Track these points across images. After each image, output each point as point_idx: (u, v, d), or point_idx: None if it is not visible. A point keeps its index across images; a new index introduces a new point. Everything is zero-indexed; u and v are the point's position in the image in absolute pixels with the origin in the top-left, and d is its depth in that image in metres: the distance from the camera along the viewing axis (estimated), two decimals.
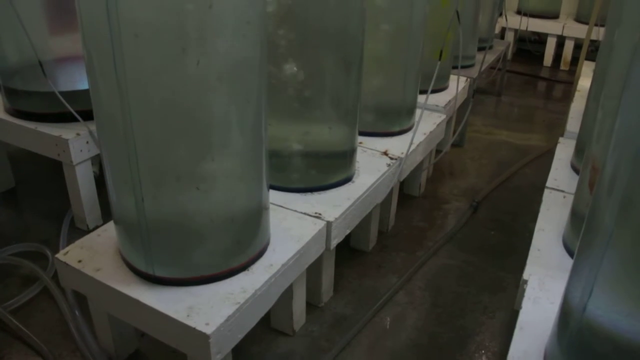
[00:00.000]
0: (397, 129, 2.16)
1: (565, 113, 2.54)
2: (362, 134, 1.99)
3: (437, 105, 2.48)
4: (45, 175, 2.49)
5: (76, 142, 1.93)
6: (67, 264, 1.38)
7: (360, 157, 1.94)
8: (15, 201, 2.33)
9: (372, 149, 2.03)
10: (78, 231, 2.07)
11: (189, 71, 1.08)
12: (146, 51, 1.06)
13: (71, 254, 1.40)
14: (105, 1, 1.01)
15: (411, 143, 1.98)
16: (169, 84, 1.09)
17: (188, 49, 1.06)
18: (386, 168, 1.91)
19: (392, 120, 2.15)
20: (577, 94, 2.72)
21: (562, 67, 4.76)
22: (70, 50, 2.04)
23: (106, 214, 2.09)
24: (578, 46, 4.41)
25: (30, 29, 1.68)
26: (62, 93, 1.70)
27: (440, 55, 1.97)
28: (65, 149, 1.92)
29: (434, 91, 2.13)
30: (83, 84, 1.95)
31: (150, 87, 1.09)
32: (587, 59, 3.03)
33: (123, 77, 1.07)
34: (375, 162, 1.94)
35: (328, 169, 1.75)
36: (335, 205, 1.66)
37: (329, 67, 1.59)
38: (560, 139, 2.21)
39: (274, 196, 1.66)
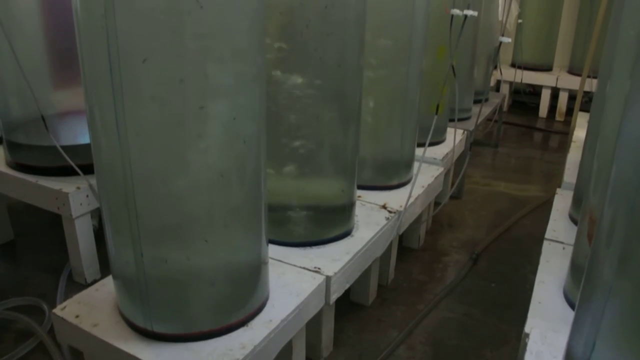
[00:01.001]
0: (395, 182, 2.17)
1: (562, 163, 2.55)
2: (360, 187, 2.00)
3: (434, 158, 2.50)
4: (44, 228, 2.48)
5: (76, 196, 1.94)
6: (64, 319, 1.36)
7: (359, 211, 1.95)
8: (14, 254, 2.32)
9: (370, 203, 2.04)
10: (76, 285, 2.05)
11: (188, 127, 1.10)
12: (148, 108, 1.08)
13: (68, 309, 1.39)
14: (108, 58, 1.04)
15: (410, 196, 1.99)
16: (169, 140, 1.11)
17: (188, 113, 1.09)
18: (385, 221, 1.91)
19: (391, 173, 2.16)
20: (573, 144, 2.74)
21: (558, 118, 4.82)
22: (72, 105, 2.07)
23: (105, 268, 2.08)
24: (572, 97, 4.47)
25: (33, 83, 1.71)
26: (63, 147, 1.72)
27: (437, 109, 2.00)
28: (65, 202, 1.93)
29: (431, 144, 2.15)
30: (84, 138, 1.97)
31: (151, 143, 1.11)
32: (581, 109, 3.06)
33: (124, 133, 1.09)
34: (374, 216, 1.95)
35: (327, 223, 1.75)
36: (335, 260, 1.65)
37: (327, 121, 1.61)
38: (558, 190, 2.22)
39: (273, 250, 1.65)
